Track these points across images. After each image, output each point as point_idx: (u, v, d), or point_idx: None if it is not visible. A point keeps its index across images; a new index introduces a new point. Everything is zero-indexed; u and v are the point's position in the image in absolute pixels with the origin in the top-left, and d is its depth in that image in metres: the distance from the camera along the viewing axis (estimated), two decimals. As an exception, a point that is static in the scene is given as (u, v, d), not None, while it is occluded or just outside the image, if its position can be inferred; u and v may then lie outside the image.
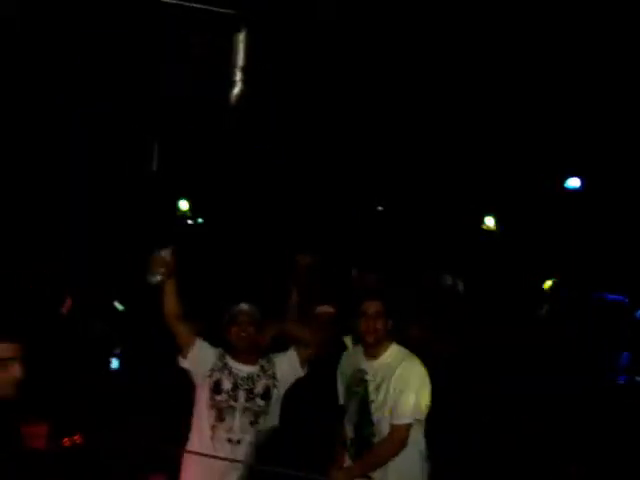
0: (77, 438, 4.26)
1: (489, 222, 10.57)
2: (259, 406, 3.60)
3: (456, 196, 9.92)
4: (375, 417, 3.42)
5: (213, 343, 3.71)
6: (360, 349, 3.60)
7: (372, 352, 3.51)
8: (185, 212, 10.67)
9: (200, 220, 11.45)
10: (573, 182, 9.13)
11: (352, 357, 3.67)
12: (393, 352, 3.52)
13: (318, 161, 9.24)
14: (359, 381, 3.51)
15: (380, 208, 10.76)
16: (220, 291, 8.46)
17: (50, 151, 8.09)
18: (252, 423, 3.59)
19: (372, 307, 3.47)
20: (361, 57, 7.17)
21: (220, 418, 3.55)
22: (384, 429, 3.37)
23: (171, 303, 3.50)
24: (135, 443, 3.72)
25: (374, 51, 7.17)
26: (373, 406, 3.42)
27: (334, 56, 6.96)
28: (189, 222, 11.26)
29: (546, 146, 8.78)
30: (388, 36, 6.98)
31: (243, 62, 5.86)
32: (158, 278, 3.44)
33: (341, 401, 3.64)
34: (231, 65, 5.88)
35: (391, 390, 3.38)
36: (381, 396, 3.41)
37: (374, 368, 3.48)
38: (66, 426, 4.27)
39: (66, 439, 4.16)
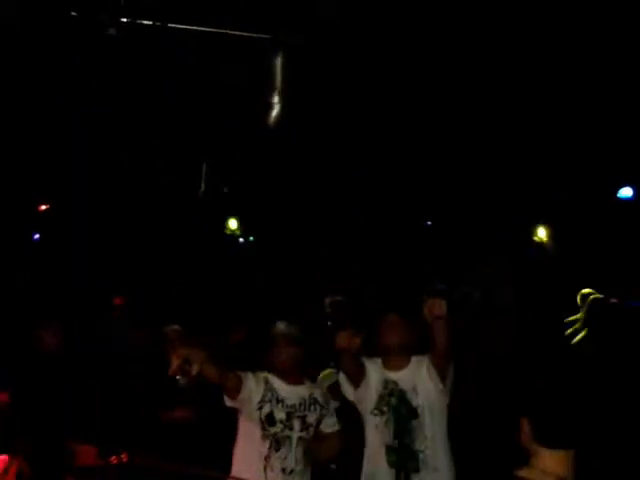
0: (123, 457, 4.44)
1: (541, 233, 10.38)
2: (311, 435, 3.67)
3: (507, 207, 9.79)
4: (419, 421, 3.64)
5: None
6: (378, 365, 3.80)
7: (397, 365, 3.76)
8: (234, 231, 10.81)
9: (251, 238, 11.59)
10: (626, 192, 8.90)
11: (373, 373, 3.79)
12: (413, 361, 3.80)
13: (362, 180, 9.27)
14: (392, 391, 3.69)
15: (429, 223, 10.69)
16: (269, 308, 8.61)
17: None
18: (305, 452, 3.63)
19: (393, 319, 3.77)
20: (403, 70, 7.18)
21: (276, 448, 3.56)
22: (429, 429, 3.63)
23: (211, 374, 3.42)
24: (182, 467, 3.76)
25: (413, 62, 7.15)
26: (419, 411, 3.65)
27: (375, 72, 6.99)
28: (240, 240, 11.40)
29: (598, 155, 8.60)
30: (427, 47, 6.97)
31: (281, 85, 5.96)
32: (184, 380, 3.52)
33: (367, 411, 3.75)
34: (269, 88, 5.99)
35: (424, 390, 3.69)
36: (421, 399, 3.66)
37: (403, 377, 3.72)
38: (114, 446, 4.43)
39: (114, 457, 4.20)
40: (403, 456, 3.62)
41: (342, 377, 3.88)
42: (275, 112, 6.13)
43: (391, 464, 3.62)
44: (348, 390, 3.86)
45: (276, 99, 6.04)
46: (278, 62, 5.93)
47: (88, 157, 7.98)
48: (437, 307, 3.46)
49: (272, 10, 5.61)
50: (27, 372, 4.70)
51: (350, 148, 8.50)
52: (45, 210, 10.09)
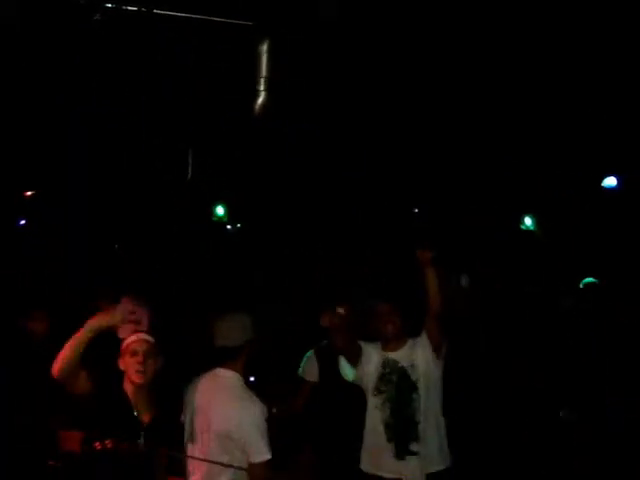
0: (108, 443, 4.43)
1: (527, 222, 10.44)
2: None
3: (493, 197, 9.83)
4: (418, 394, 3.96)
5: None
6: (377, 347, 4.10)
7: (395, 346, 4.06)
8: (222, 217, 10.79)
9: (238, 225, 11.57)
10: (610, 181, 8.97)
11: (373, 354, 4.09)
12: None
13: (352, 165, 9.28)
14: (392, 369, 4.00)
15: (416, 210, 10.72)
16: (258, 295, 8.62)
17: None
18: None
19: (385, 309, 4.04)
20: (391, 56, 7.18)
21: None
22: (426, 402, 3.96)
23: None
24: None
25: (403, 48, 7.15)
26: (418, 385, 3.96)
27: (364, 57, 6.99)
28: (228, 227, 11.39)
29: (583, 145, 8.65)
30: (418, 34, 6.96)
31: (266, 72, 5.95)
32: None
33: (368, 392, 4.06)
34: (255, 75, 5.99)
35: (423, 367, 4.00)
36: (419, 374, 3.98)
37: (401, 356, 4.02)
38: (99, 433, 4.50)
39: (97, 443, 4.27)
40: (402, 429, 3.95)
41: (341, 359, 4.14)
42: (261, 100, 6.13)
43: (390, 439, 3.95)
44: (348, 372, 4.14)
45: (262, 86, 6.04)
46: (264, 49, 5.92)
47: (83, 146, 7.97)
48: (424, 255, 3.85)
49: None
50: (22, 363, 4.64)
51: (339, 135, 8.51)
52: (32, 196, 10.06)
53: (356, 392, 4.16)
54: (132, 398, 3.35)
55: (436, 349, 4.01)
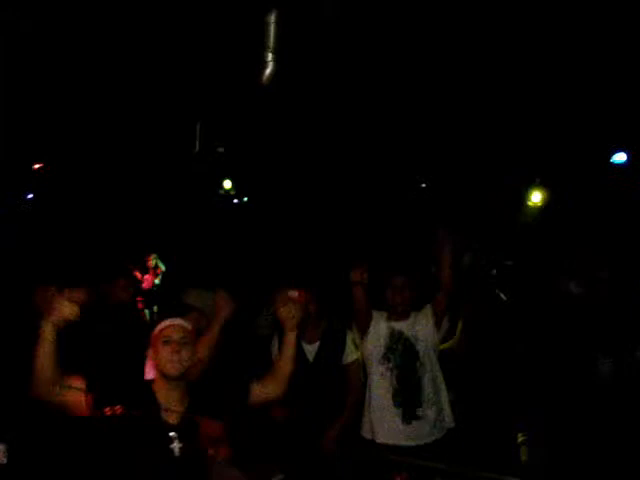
0: (118, 409, 4.45)
1: (535, 198, 10.38)
2: None
3: (501, 171, 9.78)
4: (421, 362, 4.26)
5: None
6: (383, 316, 4.38)
7: (401, 316, 4.37)
8: (229, 190, 10.77)
9: (245, 199, 11.58)
10: (620, 157, 8.90)
11: (380, 322, 4.37)
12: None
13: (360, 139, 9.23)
14: (398, 339, 4.29)
15: (423, 185, 10.69)
16: (266, 270, 8.62)
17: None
18: None
19: (400, 281, 4.36)
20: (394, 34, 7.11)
21: None
22: (428, 370, 4.25)
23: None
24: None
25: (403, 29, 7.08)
26: (421, 354, 4.26)
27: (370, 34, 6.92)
28: (234, 201, 11.39)
29: (591, 121, 8.58)
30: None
31: (274, 43, 5.91)
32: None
33: (374, 360, 4.34)
34: (263, 46, 5.94)
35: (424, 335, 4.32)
36: (422, 344, 4.28)
37: (406, 326, 4.31)
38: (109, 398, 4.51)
39: (107, 408, 4.29)
40: (408, 396, 4.24)
41: (348, 338, 4.48)
42: (269, 70, 6.08)
43: (397, 404, 4.23)
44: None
45: (270, 57, 5.99)
46: (272, 19, 5.86)
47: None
48: (442, 235, 4.23)
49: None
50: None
51: (348, 107, 8.44)
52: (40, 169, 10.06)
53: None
54: (161, 393, 2.96)
55: (437, 322, 4.37)
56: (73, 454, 3.82)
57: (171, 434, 2.86)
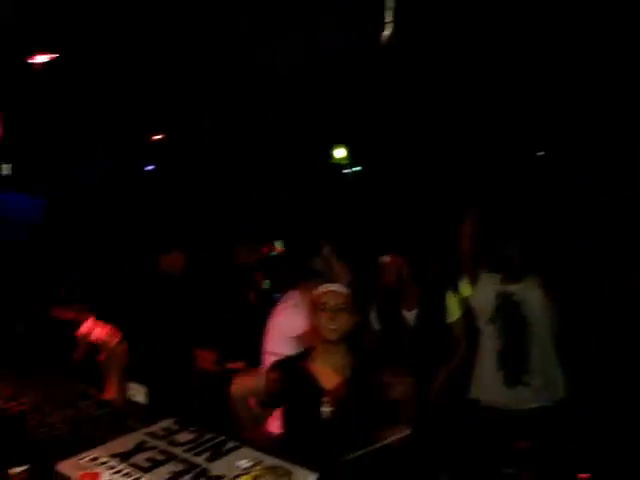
0: (240, 364, 4.57)
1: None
2: None
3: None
4: (530, 329, 4.10)
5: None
6: (493, 278, 4.24)
7: (513, 280, 4.19)
8: (341, 160, 10.49)
9: (358, 168, 11.28)
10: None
11: (488, 284, 4.25)
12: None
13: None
14: (507, 302, 4.16)
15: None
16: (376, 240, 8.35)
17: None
18: None
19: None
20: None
21: None
22: (537, 337, 4.09)
23: None
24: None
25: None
26: (530, 320, 4.11)
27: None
28: (345, 171, 11.12)
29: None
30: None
31: (393, 3, 5.56)
32: None
33: (482, 320, 4.25)
34: (380, 7, 5.61)
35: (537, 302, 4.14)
36: (532, 309, 4.12)
37: (517, 290, 4.16)
38: (232, 354, 4.65)
39: (231, 363, 4.39)
40: (514, 360, 4.12)
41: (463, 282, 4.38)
42: (387, 32, 5.74)
43: (500, 367, 4.13)
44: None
45: (389, 18, 5.65)
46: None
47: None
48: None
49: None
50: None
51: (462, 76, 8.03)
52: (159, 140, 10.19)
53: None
54: (321, 357, 3.07)
55: (547, 293, 4.18)
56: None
57: (323, 399, 2.96)
